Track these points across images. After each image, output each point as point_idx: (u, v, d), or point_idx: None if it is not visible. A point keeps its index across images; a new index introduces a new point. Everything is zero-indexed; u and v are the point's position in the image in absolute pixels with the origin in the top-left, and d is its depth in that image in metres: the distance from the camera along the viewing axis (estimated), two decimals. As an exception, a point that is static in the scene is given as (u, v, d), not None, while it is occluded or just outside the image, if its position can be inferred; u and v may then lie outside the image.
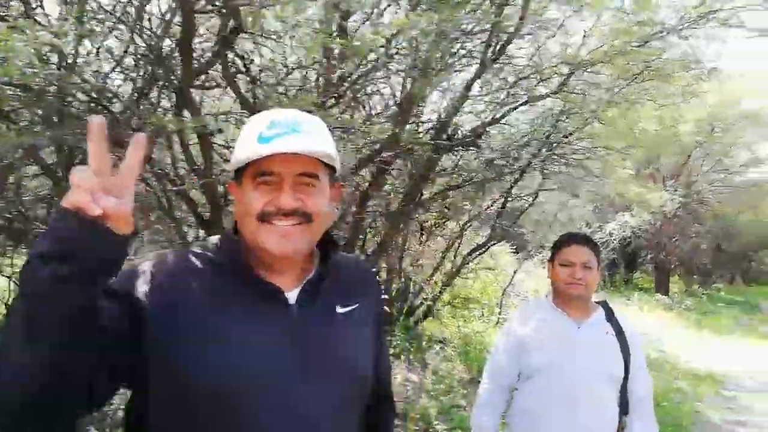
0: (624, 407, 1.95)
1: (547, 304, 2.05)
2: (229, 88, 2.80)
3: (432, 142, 3.46)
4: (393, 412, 1.36)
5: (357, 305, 1.10)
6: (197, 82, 2.48)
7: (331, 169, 1.06)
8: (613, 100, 5.34)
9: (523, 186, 6.81)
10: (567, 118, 5.86)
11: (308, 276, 1.06)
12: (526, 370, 1.95)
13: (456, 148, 4.35)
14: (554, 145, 5.55)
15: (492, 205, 6.77)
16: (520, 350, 1.97)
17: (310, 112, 2.63)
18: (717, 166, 14.32)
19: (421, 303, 6.78)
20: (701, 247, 17.97)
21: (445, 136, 4.13)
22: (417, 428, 3.90)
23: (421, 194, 4.58)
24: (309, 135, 0.99)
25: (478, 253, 6.77)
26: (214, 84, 2.66)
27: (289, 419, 0.95)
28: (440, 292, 6.75)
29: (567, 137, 5.45)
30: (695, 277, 18.74)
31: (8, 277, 3.03)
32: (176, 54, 2.30)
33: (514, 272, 8.48)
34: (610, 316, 2.02)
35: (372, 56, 2.92)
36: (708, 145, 13.08)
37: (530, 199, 6.71)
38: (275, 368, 0.96)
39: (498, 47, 3.76)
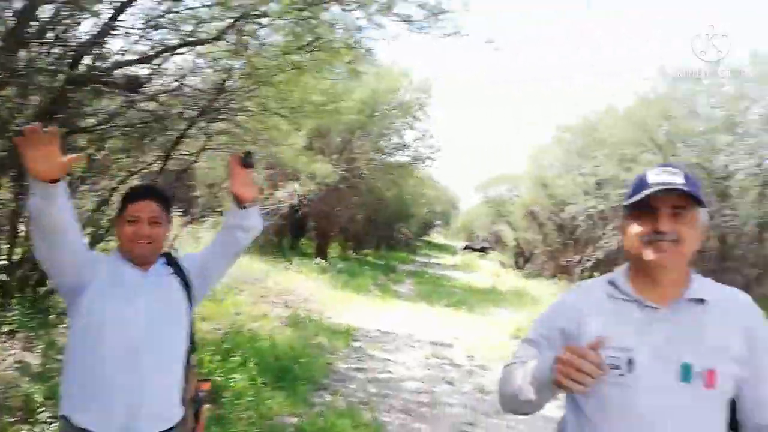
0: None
1: (114, 257, 1.85)
2: None
3: (51, 70, 2.71)
4: None
5: None
6: None
7: None
8: (282, 65, 5.32)
9: (189, 144, 6.34)
10: (238, 76, 5.64)
11: None
12: None
13: (99, 85, 3.60)
14: (222, 101, 5.25)
15: (154, 162, 6.10)
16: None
17: None
18: (374, 146, 16.32)
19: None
20: (357, 217, 20.39)
21: (83, 68, 3.38)
22: (14, 419, 3.12)
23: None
24: None
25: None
26: None
27: None
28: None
29: (232, 96, 5.18)
30: (350, 243, 21.19)
31: None
32: None
33: (175, 236, 7.94)
34: (172, 259, 1.91)
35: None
36: (369, 127, 14.75)
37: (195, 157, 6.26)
38: None
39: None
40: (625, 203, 1.38)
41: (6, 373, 3.90)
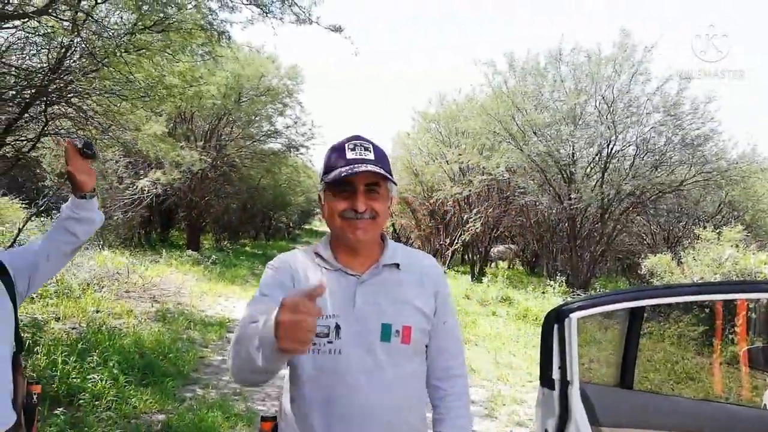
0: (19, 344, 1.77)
1: None
2: None
3: None
4: None
5: None
6: None
7: None
8: (128, 44, 5.03)
9: (26, 129, 5.78)
10: (80, 56, 5.24)
11: None
12: None
13: None
14: (60, 82, 4.85)
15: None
16: None
17: None
18: (243, 133, 15.90)
19: None
20: (232, 206, 19.79)
21: None
22: None
23: None
24: None
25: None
26: None
27: None
28: None
29: (73, 77, 4.81)
30: (225, 233, 20.52)
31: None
32: None
33: (20, 229, 7.21)
34: None
35: None
36: (235, 113, 14.34)
37: (33, 144, 5.73)
38: None
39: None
40: (326, 180, 1.39)
41: None
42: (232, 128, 15.59)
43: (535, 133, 13.10)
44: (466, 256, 22.44)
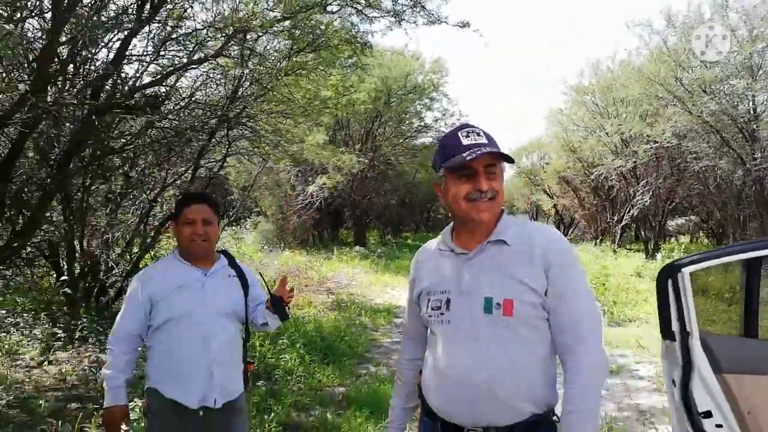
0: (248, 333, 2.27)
1: (173, 259, 2.17)
2: None
3: (86, 103, 3.20)
4: None
5: None
6: None
7: None
8: (288, 68, 5.73)
9: (214, 152, 6.87)
10: (249, 84, 6.09)
11: None
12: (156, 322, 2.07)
13: (119, 111, 4.11)
14: (236, 110, 5.71)
15: (185, 173, 6.65)
16: (148, 306, 2.08)
17: None
18: (396, 131, 16.65)
19: (114, 281, 6.32)
20: (391, 203, 20.80)
21: (103, 96, 3.88)
22: (97, 407, 3.71)
23: (83, 161, 4.22)
24: None
25: (173, 221, 6.59)
26: None
27: None
28: (133, 267, 6.38)
29: (246, 103, 5.63)
30: (388, 228, 21.62)
31: None
32: None
33: (216, 239, 8.54)
34: (232, 260, 2.25)
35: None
36: (386, 114, 15.09)
37: (221, 164, 6.79)
38: None
39: (153, 5, 3.66)
40: (447, 166, 1.48)
41: (84, 373, 4.53)
42: (384, 128, 16.42)
43: (704, 92, 11.79)
44: (641, 233, 20.84)
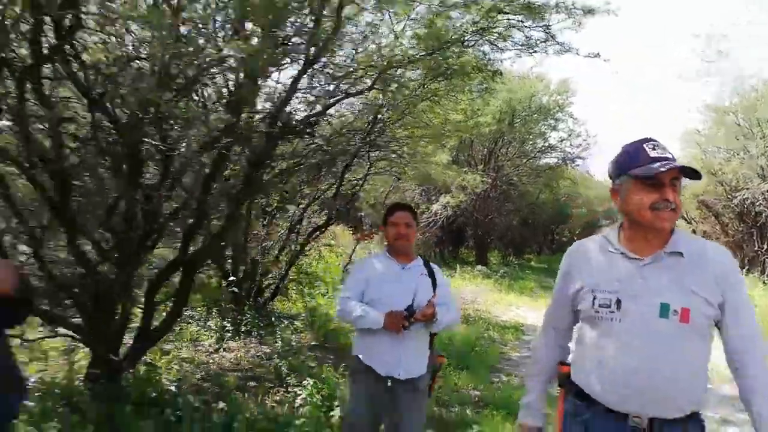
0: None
1: (383, 255, 2.83)
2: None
3: (265, 131, 3.94)
4: None
5: None
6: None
7: None
8: (423, 95, 6.29)
9: (356, 170, 7.59)
10: (387, 110, 6.73)
11: None
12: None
13: (289, 136, 4.87)
14: (376, 133, 6.36)
15: (328, 189, 7.44)
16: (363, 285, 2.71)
17: (148, 101, 2.98)
18: (519, 151, 16.70)
19: (269, 283, 7.22)
20: (513, 223, 20.68)
21: (278, 125, 4.63)
22: (272, 385, 4.43)
23: (261, 178, 5.03)
24: None
25: (318, 233, 7.39)
26: (58, 75, 2.88)
27: None
28: (286, 271, 7.24)
29: (385, 127, 6.25)
30: (510, 249, 21.47)
31: None
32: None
33: (353, 250, 9.28)
34: (426, 262, 2.85)
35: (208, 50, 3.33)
36: (509, 134, 15.24)
37: (361, 183, 7.49)
38: None
39: (320, 47, 4.36)
40: (637, 174, 1.58)
41: (252, 359, 5.34)
42: (507, 149, 16.55)
43: None
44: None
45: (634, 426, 1.57)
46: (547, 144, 17.05)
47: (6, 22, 2.48)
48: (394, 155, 6.96)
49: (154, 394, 3.67)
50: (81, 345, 4.03)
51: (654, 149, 1.60)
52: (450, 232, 17.09)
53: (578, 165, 18.40)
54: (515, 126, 15.06)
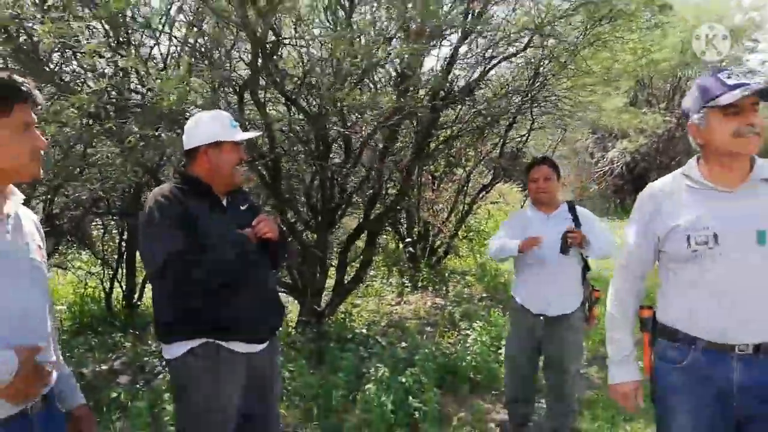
0: (586, 266, 3.03)
1: (530, 209, 3.14)
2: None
3: (430, 104, 4.33)
4: None
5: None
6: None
7: None
8: (585, 42, 6.12)
9: (519, 128, 7.66)
10: (549, 62, 6.64)
11: None
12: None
13: (452, 104, 5.21)
14: (537, 89, 6.36)
15: (493, 150, 7.65)
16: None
17: (331, 97, 3.55)
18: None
19: (441, 243, 7.76)
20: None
21: (441, 96, 4.99)
22: (446, 329, 4.97)
23: (428, 147, 5.48)
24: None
25: (485, 192, 7.68)
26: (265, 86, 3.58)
27: None
28: (456, 231, 7.70)
29: (546, 81, 6.22)
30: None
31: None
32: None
33: (522, 206, 9.37)
34: (572, 207, 3.05)
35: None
36: (696, 66, 13.59)
37: (524, 140, 7.55)
38: None
39: (476, 14, 4.60)
40: (716, 104, 1.59)
41: (429, 309, 5.96)
42: (694, 80, 14.80)
43: None
44: None
45: (741, 354, 1.59)
46: (746, 69, 14.83)
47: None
48: (556, 109, 6.89)
49: (350, 336, 4.43)
50: (291, 299, 4.93)
51: (729, 77, 1.60)
52: (631, 179, 16.01)
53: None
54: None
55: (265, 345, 2.13)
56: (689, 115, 1.72)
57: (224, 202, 2.14)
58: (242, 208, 2.18)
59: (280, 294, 2.55)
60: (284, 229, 2.65)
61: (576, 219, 2.96)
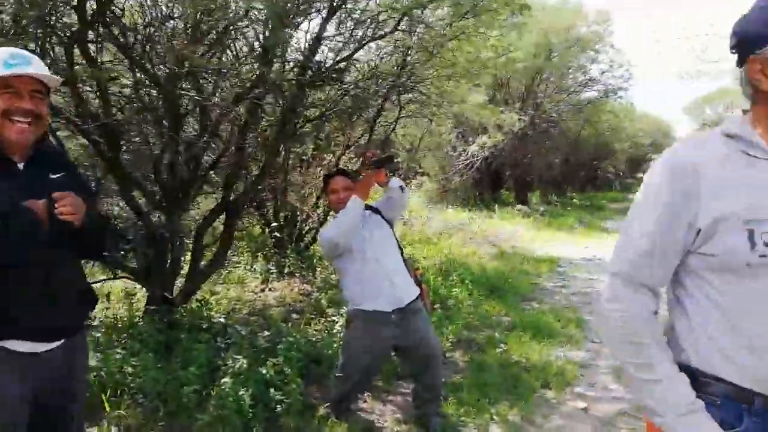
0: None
1: None
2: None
3: (295, 79, 4.10)
4: None
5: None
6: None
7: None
8: (451, 33, 6.26)
9: (387, 115, 7.69)
10: (417, 51, 6.73)
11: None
12: None
13: (319, 84, 5.01)
14: (405, 76, 6.41)
15: (362, 136, 7.60)
16: None
17: (183, 57, 3.20)
18: (558, 87, 16.24)
19: (309, 228, 7.55)
20: (554, 161, 20.34)
21: (308, 74, 4.78)
22: (313, 316, 4.79)
23: (295, 126, 5.24)
24: (39, 66, 1.72)
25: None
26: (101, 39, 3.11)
27: None
28: (325, 217, 7.53)
29: (414, 69, 6.28)
30: (550, 188, 21.24)
31: None
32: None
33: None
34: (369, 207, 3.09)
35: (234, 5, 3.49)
36: (547, 69, 14.81)
37: (392, 127, 7.60)
38: None
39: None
40: None
41: (295, 296, 5.73)
42: (546, 84, 16.13)
43: None
44: None
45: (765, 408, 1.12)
46: (588, 77, 16.50)
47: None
48: (424, 97, 7.01)
49: (205, 325, 4.08)
50: (138, 286, 4.44)
51: None
52: (488, 173, 17.03)
53: (620, 97, 17.75)
54: (553, 60, 14.60)
55: (58, 343, 1.79)
56: (756, 43, 1.13)
57: (20, 166, 1.74)
58: (53, 176, 1.78)
59: (116, 281, 2.17)
60: (102, 213, 2.21)
61: (377, 211, 3.09)
